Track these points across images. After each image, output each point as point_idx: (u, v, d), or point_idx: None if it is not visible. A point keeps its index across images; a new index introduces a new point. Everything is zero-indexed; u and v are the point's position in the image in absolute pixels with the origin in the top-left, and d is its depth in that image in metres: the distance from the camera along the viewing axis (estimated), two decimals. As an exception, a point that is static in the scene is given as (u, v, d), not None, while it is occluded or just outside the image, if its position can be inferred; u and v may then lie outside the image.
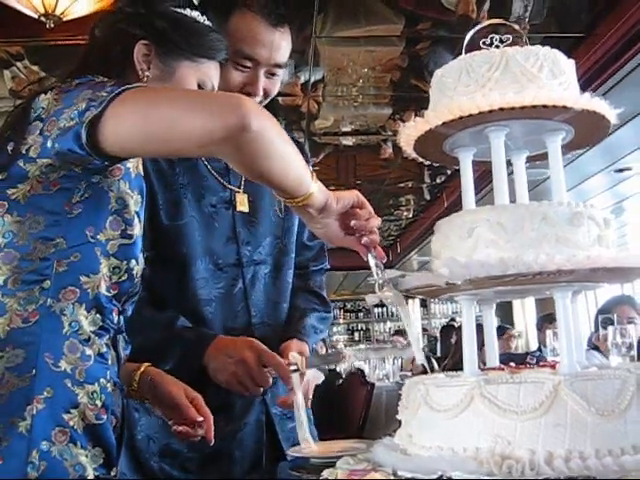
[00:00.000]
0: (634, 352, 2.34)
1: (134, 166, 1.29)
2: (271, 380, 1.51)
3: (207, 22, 1.46)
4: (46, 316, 1.17)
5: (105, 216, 1.23)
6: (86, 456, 1.18)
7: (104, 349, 1.24)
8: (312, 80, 4.94)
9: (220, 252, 1.68)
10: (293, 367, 1.49)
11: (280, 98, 5.15)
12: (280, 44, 1.64)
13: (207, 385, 1.52)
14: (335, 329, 14.94)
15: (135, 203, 1.28)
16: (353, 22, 4.21)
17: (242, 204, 1.73)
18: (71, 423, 1.17)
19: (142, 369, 1.48)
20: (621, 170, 6.16)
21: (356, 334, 15.40)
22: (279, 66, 1.66)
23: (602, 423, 1.02)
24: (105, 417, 1.22)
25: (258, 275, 1.73)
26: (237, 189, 1.74)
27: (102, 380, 1.22)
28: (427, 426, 1.13)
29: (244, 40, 1.60)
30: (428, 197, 8.45)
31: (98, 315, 1.23)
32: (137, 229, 1.28)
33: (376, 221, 1.36)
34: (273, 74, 1.67)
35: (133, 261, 1.28)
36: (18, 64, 4.26)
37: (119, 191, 1.25)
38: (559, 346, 1.15)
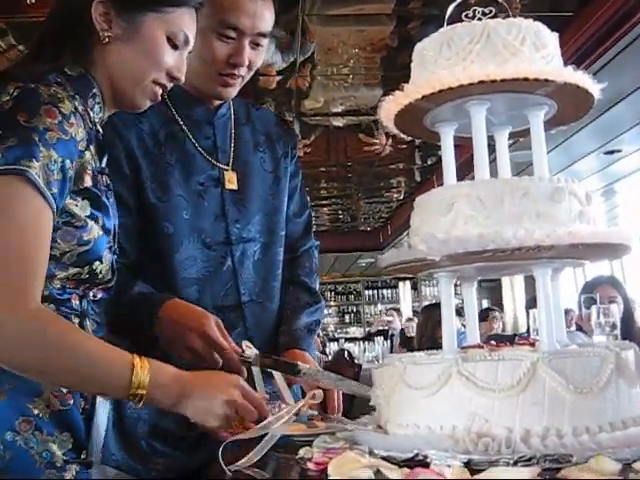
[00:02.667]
0: (617, 331, 2.34)
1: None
2: (220, 360, 1.47)
3: None
4: None
5: (54, 233, 1.17)
6: (54, 442, 1.18)
7: None
8: (301, 60, 4.90)
9: (208, 230, 1.66)
10: (245, 358, 1.47)
11: (270, 78, 5.11)
12: (263, 13, 1.61)
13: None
14: (326, 311, 14.96)
15: (82, 208, 1.21)
16: (343, 1, 4.17)
17: (231, 182, 1.71)
18: (35, 411, 1.16)
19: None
20: (611, 152, 6.15)
21: (347, 316, 15.44)
22: (263, 35, 1.63)
23: (580, 400, 1.01)
24: (71, 402, 1.21)
25: (247, 253, 1.71)
26: (225, 167, 1.72)
27: None
28: (404, 404, 1.12)
29: (227, 10, 1.57)
30: (419, 179, 8.42)
31: (52, 305, 1.20)
32: (95, 230, 1.22)
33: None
34: (257, 44, 1.64)
35: (96, 263, 1.24)
36: (0, 42, 4.21)
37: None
38: (539, 324, 1.14)
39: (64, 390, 1.20)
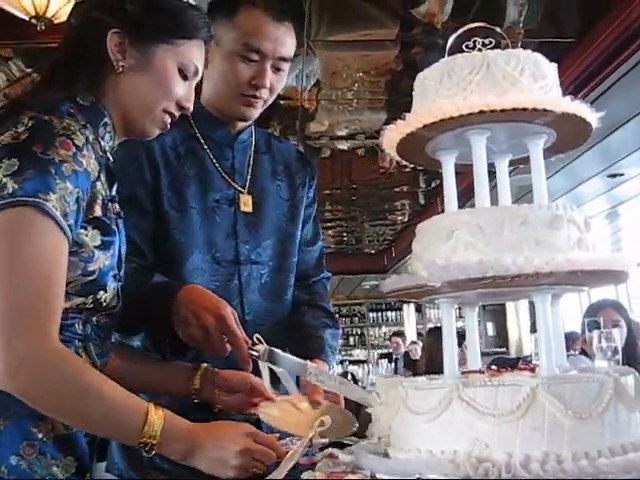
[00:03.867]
0: (619, 356, 2.34)
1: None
2: (229, 348, 1.48)
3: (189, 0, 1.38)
4: None
5: None
6: (57, 466, 1.18)
7: None
8: (307, 84, 4.94)
9: (219, 246, 1.70)
10: (254, 352, 1.47)
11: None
12: (285, 39, 1.69)
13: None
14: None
15: (92, 237, 1.23)
16: (348, 26, 4.22)
17: (246, 205, 1.75)
18: (40, 435, 1.17)
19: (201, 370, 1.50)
20: (614, 175, 6.17)
21: (351, 339, 15.40)
22: (284, 60, 1.70)
23: (579, 426, 1.02)
24: None
25: (254, 274, 1.74)
26: (242, 189, 1.76)
27: None
28: (406, 428, 1.13)
29: (251, 34, 1.66)
30: (423, 201, 8.45)
31: None
32: (101, 260, 1.23)
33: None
34: (279, 69, 1.71)
35: (100, 292, 1.25)
36: (11, 66, 4.26)
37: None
38: (538, 349, 1.15)
39: None
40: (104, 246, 1.25)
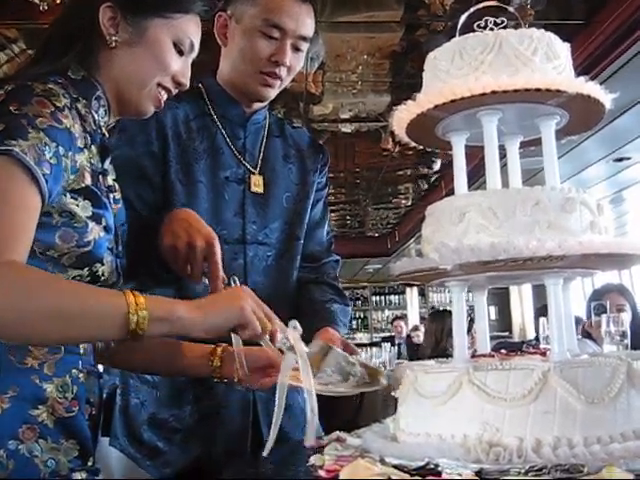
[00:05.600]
0: (627, 340, 2.33)
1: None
2: (202, 281, 1.44)
3: None
4: None
5: (52, 233, 1.16)
6: (58, 450, 1.16)
7: None
8: (311, 67, 4.91)
9: (225, 224, 1.68)
10: (280, 344, 1.30)
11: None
12: (305, 18, 1.69)
13: None
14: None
15: (83, 208, 1.19)
16: (352, 8, 4.19)
17: (257, 185, 1.74)
18: (40, 419, 1.15)
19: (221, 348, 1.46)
20: (620, 159, 6.14)
21: (354, 322, 15.41)
22: (304, 39, 1.70)
23: (591, 411, 1.01)
24: (76, 409, 1.20)
25: (259, 255, 1.73)
26: (252, 169, 1.75)
27: (74, 370, 1.20)
28: (415, 412, 1.12)
29: (273, 10, 1.66)
30: (426, 186, 8.42)
31: None
32: (95, 232, 1.20)
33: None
34: (298, 48, 1.71)
35: (97, 264, 1.22)
36: (14, 47, 4.24)
37: (60, 204, 1.16)
38: (550, 333, 1.14)
39: (69, 396, 1.19)
40: (95, 218, 1.21)
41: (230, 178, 1.71)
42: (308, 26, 1.70)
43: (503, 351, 1.28)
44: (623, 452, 0.98)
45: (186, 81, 1.37)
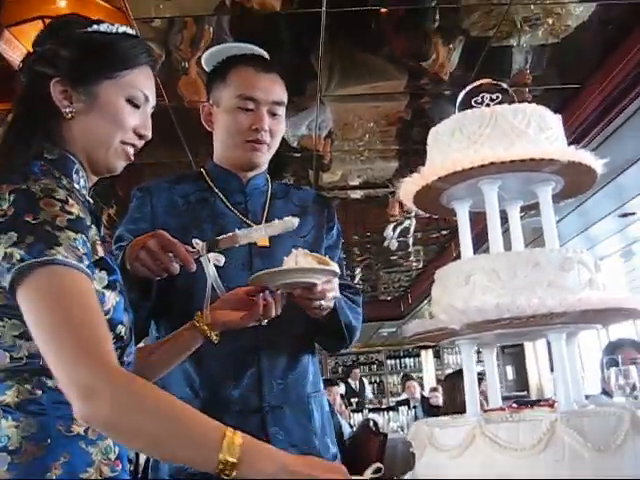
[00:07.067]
0: (637, 392, 2.36)
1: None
2: (177, 266, 1.50)
3: (124, 29, 1.38)
4: (48, 391, 1.21)
5: None
6: None
7: None
8: (320, 135, 5.06)
9: (232, 277, 1.72)
10: (194, 252, 1.50)
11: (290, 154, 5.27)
12: (273, 86, 1.89)
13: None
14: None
15: (100, 280, 1.25)
16: (357, 80, 4.34)
17: (263, 240, 1.80)
18: None
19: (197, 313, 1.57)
20: (625, 215, 6.21)
21: (369, 387, 15.28)
22: (277, 104, 1.88)
23: (599, 458, 1.06)
24: (120, 467, 1.27)
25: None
26: (257, 225, 1.79)
27: None
28: (432, 466, 1.18)
29: (243, 86, 1.86)
30: (437, 248, 8.50)
31: None
32: (112, 299, 1.26)
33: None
34: (274, 113, 1.88)
35: (119, 327, 1.28)
36: None
37: None
38: (555, 385, 1.21)
39: (112, 457, 1.25)
40: (111, 286, 1.28)
41: None
42: (278, 92, 1.89)
43: (514, 405, 1.34)
44: (630, 496, 1.03)
45: (147, 132, 1.40)
